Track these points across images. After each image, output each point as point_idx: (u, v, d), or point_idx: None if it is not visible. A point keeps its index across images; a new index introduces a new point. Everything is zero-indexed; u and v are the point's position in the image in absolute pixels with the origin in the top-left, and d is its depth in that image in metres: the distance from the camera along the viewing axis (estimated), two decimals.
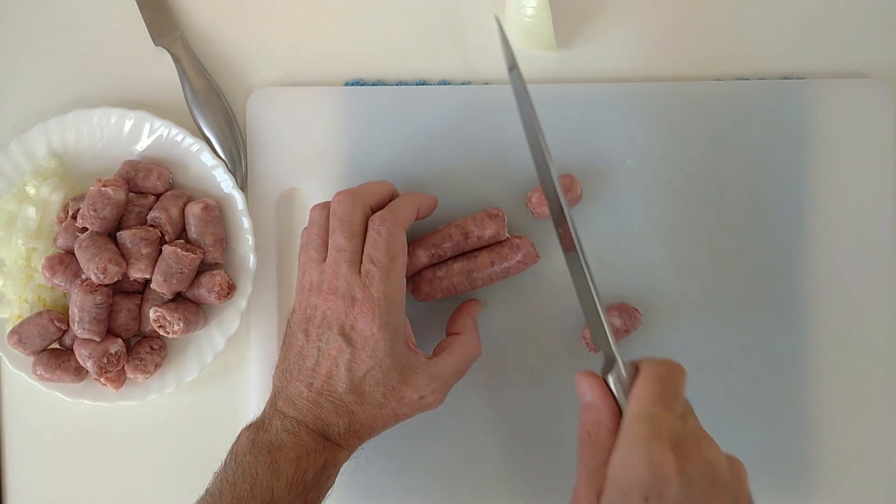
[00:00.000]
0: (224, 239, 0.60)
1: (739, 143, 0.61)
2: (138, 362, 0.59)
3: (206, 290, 0.59)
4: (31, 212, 0.60)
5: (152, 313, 0.58)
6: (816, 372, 0.61)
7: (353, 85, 0.62)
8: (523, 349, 0.61)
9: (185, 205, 0.60)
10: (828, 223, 0.61)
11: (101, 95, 0.63)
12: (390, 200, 0.56)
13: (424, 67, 0.63)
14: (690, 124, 0.61)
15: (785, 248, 0.61)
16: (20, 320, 0.59)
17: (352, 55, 0.63)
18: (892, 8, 0.63)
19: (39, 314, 0.59)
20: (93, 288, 0.57)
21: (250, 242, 0.60)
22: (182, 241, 0.60)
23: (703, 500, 0.44)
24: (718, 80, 0.62)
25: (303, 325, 0.53)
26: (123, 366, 0.59)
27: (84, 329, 0.57)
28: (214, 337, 0.61)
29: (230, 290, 0.59)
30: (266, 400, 0.54)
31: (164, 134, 0.61)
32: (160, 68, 0.63)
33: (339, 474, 0.54)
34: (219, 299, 0.59)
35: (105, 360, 0.57)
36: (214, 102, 0.62)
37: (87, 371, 0.58)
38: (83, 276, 0.58)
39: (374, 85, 0.62)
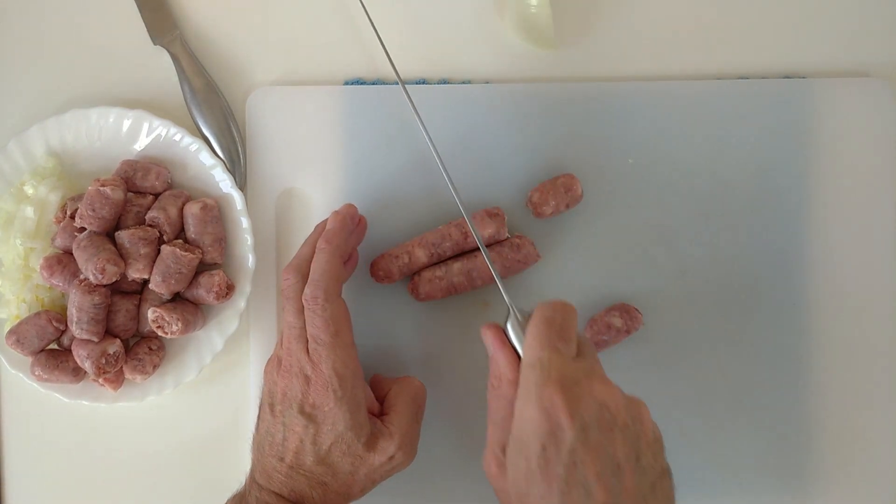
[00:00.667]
0: (223, 239, 0.60)
1: (740, 143, 0.61)
2: (137, 363, 0.59)
3: (204, 291, 0.58)
4: (30, 211, 0.59)
5: (151, 314, 0.58)
6: (816, 372, 0.61)
7: (352, 84, 0.62)
8: None
9: (183, 204, 0.59)
10: (828, 222, 0.61)
11: (99, 95, 0.62)
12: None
13: (424, 67, 0.63)
14: (691, 124, 0.61)
15: (785, 247, 0.61)
16: (18, 320, 0.59)
17: (352, 55, 0.63)
18: (893, 7, 0.63)
19: (37, 314, 0.59)
20: (91, 288, 0.57)
21: (249, 242, 0.60)
22: (181, 240, 0.59)
23: (600, 444, 0.42)
24: (719, 79, 0.62)
25: (269, 399, 0.53)
26: (122, 366, 0.59)
27: (82, 329, 0.57)
28: (213, 337, 0.60)
29: (229, 290, 0.59)
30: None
31: (163, 133, 0.61)
32: (159, 67, 0.62)
33: None
34: (218, 299, 0.59)
35: (103, 361, 0.57)
36: (213, 102, 0.61)
37: (86, 372, 0.58)
38: (81, 277, 0.57)
39: (374, 84, 0.62)
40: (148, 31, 0.62)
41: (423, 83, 0.62)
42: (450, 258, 0.59)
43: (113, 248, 0.57)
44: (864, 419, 0.61)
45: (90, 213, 0.57)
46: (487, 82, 0.62)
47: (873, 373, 0.61)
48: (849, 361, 0.61)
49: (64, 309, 0.60)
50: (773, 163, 0.61)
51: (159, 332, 0.58)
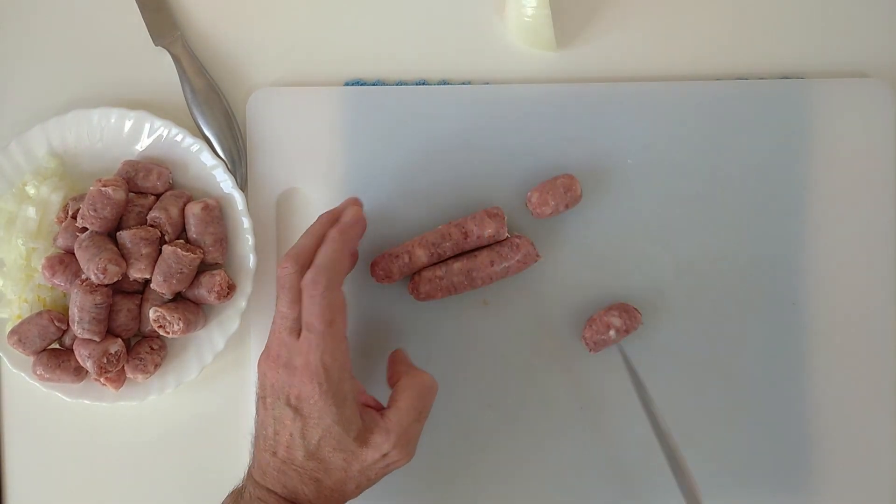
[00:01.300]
0: (224, 239, 0.60)
1: (739, 143, 0.61)
2: (138, 362, 0.59)
3: (205, 290, 0.59)
4: (31, 212, 0.60)
5: (152, 313, 0.58)
6: (816, 371, 0.61)
7: (353, 85, 0.62)
8: (523, 349, 0.61)
9: (185, 205, 0.60)
10: (828, 222, 0.61)
11: (100, 95, 0.63)
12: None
13: (424, 67, 0.63)
14: (690, 124, 0.61)
15: (785, 247, 0.61)
16: (20, 320, 0.59)
17: (352, 55, 0.63)
18: (892, 7, 0.63)
19: (39, 314, 0.59)
20: (93, 288, 0.57)
21: (250, 242, 0.60)
22: (182, 241, 0.60)
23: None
24: (719, 79, 0.62)
25: (261, 392, 0.53)
26: (123, 366, 0.59)
27: (84, 329, 0.57)
28: (214, 337, 0.61)
29: (230, 290, 0.59)
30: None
31: (164, 134, 0.61)
32: (160, 68, 0.63)
33: None
34: (219, 299, 0.59)
35: (105, 360, 0.57)
36: (214, 102, 0.62)
37: (87, 371, 0.58)
38: (83, 276, 0.58)
39: (374, 85, 0.62)
40: (149, 32, 0.63)
41: (424, 84, 0.62)
42: (450, 258, 0.59)
43: (114, 248, 0.58)
44: (864, 419, 0.61)
45: (92, 213, 0.57)
46: (487, 83, 0.62)
47: (873, 372, 0.61)
48: (848, 361, 0.61)
49: (66, 309, 0.60)
50: (773, 163, 0.61)
51: (161, 332, 0.58)
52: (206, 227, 0.59)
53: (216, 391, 0.63)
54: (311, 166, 0.62)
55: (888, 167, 0.61)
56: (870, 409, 0.61)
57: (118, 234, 0.58)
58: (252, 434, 0.54)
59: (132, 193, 0.60)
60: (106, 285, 0.57)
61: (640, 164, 0.61)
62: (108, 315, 0.58)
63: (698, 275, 0.61)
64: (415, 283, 0.59)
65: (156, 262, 0.58)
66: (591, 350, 0.60)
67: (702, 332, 0.61)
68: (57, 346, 0.60)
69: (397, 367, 0.56)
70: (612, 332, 0.59)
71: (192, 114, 0.62)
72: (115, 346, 0.58)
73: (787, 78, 0.62)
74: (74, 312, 0.57)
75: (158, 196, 0.60)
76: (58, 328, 0.58)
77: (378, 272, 0.59)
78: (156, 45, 0.62)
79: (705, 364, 0.61)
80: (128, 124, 0.61)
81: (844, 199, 0.61)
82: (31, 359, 0.59)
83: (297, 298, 0.52)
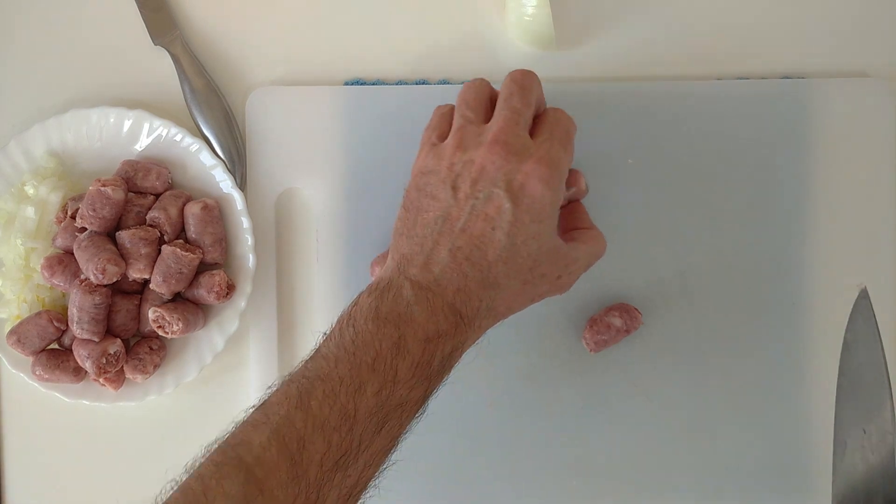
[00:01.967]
0: (223, 239, 0.60)
1: (740, 143, 0.61)
2: (137, 362, 0.59)
3: (205, 291, 0.59)
4: (30, 212, 0.59)
5: (151, 313, 0.58)
6: (816, 372, 0.61)
7: (352, 85, 0.62)
8: (523, 349, 0.61)
9: (184, 205, 0.59)
10: (828, 222, 0.61)
11: (99, 95, 0.62)
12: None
13: (424, 67, 0.63)
14: (690, 124, 0.61)
15: (785, 247, 0.61)
16: (19, 320, 0.59)
17: (352, 55, 0.63)
18: (892, 7, 0.63)
19: (38, 314, 0.59)
20: (92, 288, 0.57)
21: (250, 242, 0.60)
22: (181, 241, 0.60)
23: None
24: (719, 79, 0.62)
25: (449, 180, 0.46)
26: (122, 366, 0.59)
27: (83, 329, 0.57)
28: (214, 337, 0.60)
29: (229, 290, 0.59)
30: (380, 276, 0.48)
31: (163, 134, 0.61)
32: (159, 68, 0.62)
33: None
34: (218, 299, 0.59)
35: (104, 361, 0.57)
36: (214, 102, 0.61)
37: (86, 371, 0.58)
38: (82, 277, 0.58)
39: (374, 85, 0.62)
40: (148, 31, 0.62)
41: (424, 83, 0.62)
42: None
43: (114, 248, 0.58)
44: None
45: (91, 213, 0.57)
46: None
47: None
48: None
49: (65, 309, 0.60)
50: (773, 163, 0.61)
51: (160, 332, 0.58)
52: (206, 227, 0.59)
53: (216, 391, 0.63)
54: (311, 166, 0.62)
55: (888, 167, 0.61)
56: None
57: (117, 234, 0.58)
58: (396, 237, 0.49)
59: (131, 193, 0.60)
60: (105, 285, 0.57)
61: (640, 164, 0.61)
62: (108, 315, 0.58)
63: (698, 275, 0.61)
64: None
65: (155, 262, 0.58)
66: (591, 350, 0.60)
67: (702, 333, 0.61)
68: (56, 346, 0.60)
69: (582, 216, 0.54)
70: (612, 333, 0.59)
71: (191, 113, 0.62)
72: (115, 346, 0.58)
73: (787, 78, 0.62)
74: (73, 312, 0.57)
75: (157, 196, 0.60)
76: (57, 328, 0.58)
77: (378, 272, 0.59)
78: (155, 44, 0.62)
79: (705, 364, 0.61)
80: (127, 124, 0.61)
81: (844, 199, 0.61)
82: (30, 359, 0.59)
83: (533, 103, 0.49)
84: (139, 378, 0.59)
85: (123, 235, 0.58)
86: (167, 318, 0.57)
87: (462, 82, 0.62)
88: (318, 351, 0.46)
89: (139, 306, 0.59)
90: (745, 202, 0.61)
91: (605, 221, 0.61)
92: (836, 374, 0.61)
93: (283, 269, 0.62)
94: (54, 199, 0.60)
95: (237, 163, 0.62)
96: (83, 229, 0.58)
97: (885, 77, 0.62)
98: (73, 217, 0.59)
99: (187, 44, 0.62)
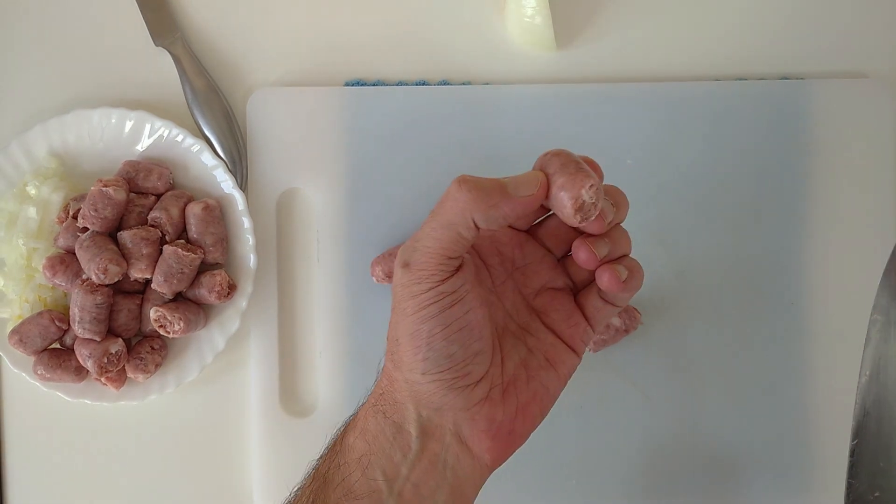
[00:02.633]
0: (224, 239, 0.60)
1: (739, 143, 0.61)
2: (139, 362, 0.59)
3: (206, 290, 0.59)
4: (32, 212, 0.60)
5: (153, 313, 0.58)
6: (815, 371, 0.61)
7: (353, 85, 0.62)
8: None
9: (185, 205, 0.60)
10: (827, 222, 0.61)
11: (101, 96, 0.63)
12: None
13: (424, 67, 0.63)
14: (690, 124, 0.61)
15: (785, 248, 0.61)
16: (21, 320, 0.59)
17: (352, 55, 0.63)
18: (892, 7, 0.63)
19: (40, 314, 0.59)
20: (93, 288, 0.57)
21: (251, 242, 0.61)
22: (182, 241, 0.60)
23: None
24: (718, 80, 0.62)
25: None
26: (124, 366, 0.59)
27: (84, 329, 0.57)
28: (215, 337, 0.61)
29: (231, 290, 0.59)
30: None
31: (165, 134, 0.61)
32: (160, 68, 0.63)
33: None
34: (219, 299, 0.59)
35: (105, 360, 0.57)
36: (215, 102, 0.62)
37: (88, 371, 0.58)
38: (84, 276, 0.58)
39: (374, 85, 0.62)
40: (150, 32, 0.63)
41: (424, 84, 0.62)
42: None
43: (115, 248, 0.58)
44: None
45: (93, 213, 0.57)
46: (487, 83, 0.62)
47: None
48: (848, 361, 0.61)
49: (66, 308, 0.60)
50: (772, 163, 0.61)
51: (161, 332, 0.58)
52: (207, 228, 0.59)
53: (216, 391, 0.63)
54: (312, 166, 0.62)
55: (888, 167, 0.61)
56: None
57: (119, 234, 0.58)
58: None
59: (133, 193, 0.60)
60: (107, 285, 0.58)
61: (639, 165, 0.61)
62: (109, 315, 0.58)
63: (698, 275, 0.61)
64: None
65: (156, 262, 0.58)
66: (591, 350, 0.60)
67: (701, 332, 0.61)
68: (58, 345, 0.60)
69: None
70: (612, 333, 0.59)
71: (192, 114, 0.62)
72: (116, 345, 0.58)
73: (786, 78, 0.62)
74: (75, 312, 0.57)
75: (159, 196, 0.60)
76: (58, 328, 0.59)
77: (378, 272, 0.59)
78: (156, 45, 0.63)
79: (705, 364, 0.61)
80: (128, 124, 0.61)
81: (844, 199, 0.61)
82: (32, 358, 0.59)
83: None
84: (140, 377, 0.59)
85: (125, 235, 0.58)
86: (169, 318, 0.58)
87: (462, 82, 0.63)
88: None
89: (140, 306, 0.60)
90: (744, 202, 0.61)
91: None
92: (835, 374, 0.61)
93: (284, 269, 0.62)
94: (56, 199, 0.60)
95: (238, 163, 0.62)
96: (85, 229, 0.58)
97: (884, 77, 0.62)
98: (75, 217, 0.59)
99: (188, 45, 0.63)
